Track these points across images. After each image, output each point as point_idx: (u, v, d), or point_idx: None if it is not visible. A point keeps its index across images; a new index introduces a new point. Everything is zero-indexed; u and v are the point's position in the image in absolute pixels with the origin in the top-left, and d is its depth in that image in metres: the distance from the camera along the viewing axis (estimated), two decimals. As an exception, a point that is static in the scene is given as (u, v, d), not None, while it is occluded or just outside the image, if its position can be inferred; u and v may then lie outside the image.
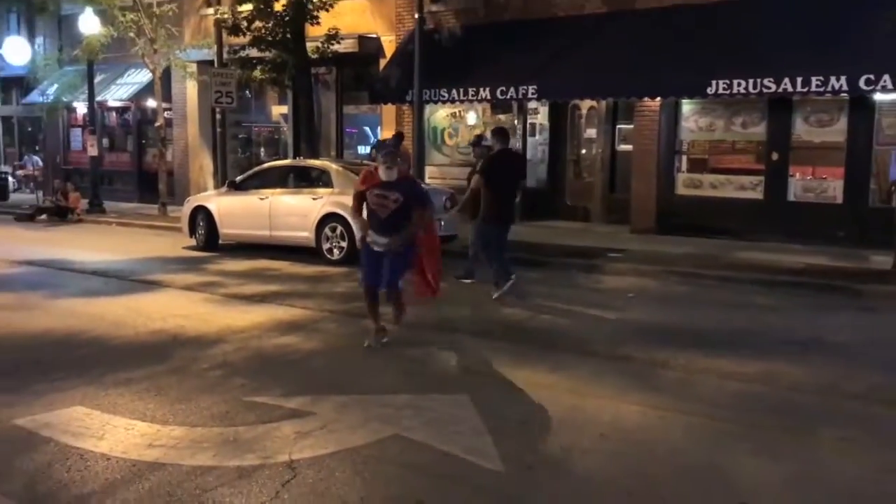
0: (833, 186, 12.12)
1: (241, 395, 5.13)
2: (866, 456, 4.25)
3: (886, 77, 10.12)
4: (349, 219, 6.83)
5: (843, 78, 10.59)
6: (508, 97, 13.63)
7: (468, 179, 9.31)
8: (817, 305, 8.42)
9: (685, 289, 9.38)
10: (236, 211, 12.20)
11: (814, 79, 10.78)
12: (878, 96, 11.04)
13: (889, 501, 3.82)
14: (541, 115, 15.22)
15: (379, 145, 5.80)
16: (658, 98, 12.80)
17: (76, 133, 23.06)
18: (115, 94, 20.51)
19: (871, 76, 10.36)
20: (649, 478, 3.95)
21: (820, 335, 6.98)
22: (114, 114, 22.19)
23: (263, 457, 4.10)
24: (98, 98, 19.45)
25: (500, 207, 8.58)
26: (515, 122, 15.11)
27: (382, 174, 6.23)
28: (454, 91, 13.98)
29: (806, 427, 4.67)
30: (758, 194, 12.68)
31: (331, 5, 14.42)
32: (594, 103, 14.42)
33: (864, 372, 5.88)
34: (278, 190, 11.96)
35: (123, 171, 21.80)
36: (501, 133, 8.94)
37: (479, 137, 9.35)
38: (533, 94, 13.25)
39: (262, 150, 19.57)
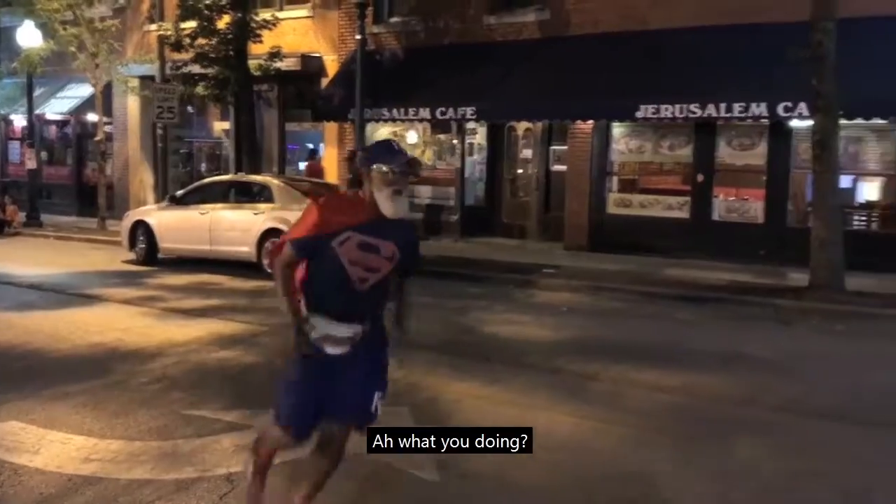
0: (754, 207, 12.55)
1: (179, 409, 5.12)
2: (780, 462, 4.46)
3: (802, 105, 10.53)
4: (277, 287, 3.27)
5: (762, 105, 11.05)
6: (448, 117, 13.86)
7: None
8: (739, 320, 8.73)
9: (616, 304, 9.59)
10: (177, 225, 12.12)
11: (736, 105, 11.23)
12: (795, 123, 11.46)
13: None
14: (479, 135, 15.45)
15: (373, 150, 3.30)
16: (590, 121, 13.16)
17: (14, 145, 22.51)
18: (55, 108, 20.14)
19: (789, 104, 10.81)
20: (582, 485, 4.10)
21: (740, 349, 7.20)
22: (53, 127, 21.73)
23: (202, 470, 4.11)
24: (37, 111, 19.11)
25: None
26: (455, 141, 15.33)
27: (388, 204, 3.14)
28: (395, 110, 14.17)
29: (726, 436, 4.87)
30: (684, 214, 13.03)
31: (273, 25, 14.55)
32: (530, 125, 14.71)
33: (780, 383, 6.09)
34: (219, 205, 11.91)
35: (62, 184, 21.34)
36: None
37: (353, 153, 9.72)
38: (471, 115, 13.51)
39: (204, 165, 19.33)
